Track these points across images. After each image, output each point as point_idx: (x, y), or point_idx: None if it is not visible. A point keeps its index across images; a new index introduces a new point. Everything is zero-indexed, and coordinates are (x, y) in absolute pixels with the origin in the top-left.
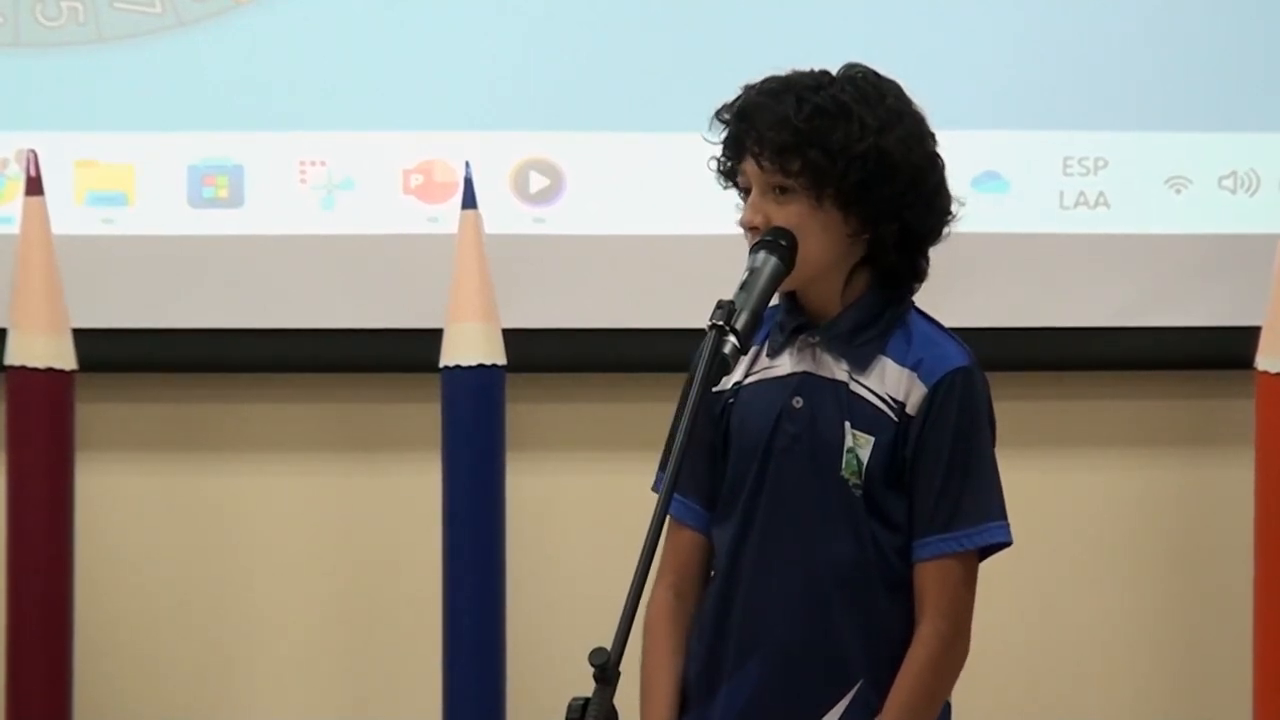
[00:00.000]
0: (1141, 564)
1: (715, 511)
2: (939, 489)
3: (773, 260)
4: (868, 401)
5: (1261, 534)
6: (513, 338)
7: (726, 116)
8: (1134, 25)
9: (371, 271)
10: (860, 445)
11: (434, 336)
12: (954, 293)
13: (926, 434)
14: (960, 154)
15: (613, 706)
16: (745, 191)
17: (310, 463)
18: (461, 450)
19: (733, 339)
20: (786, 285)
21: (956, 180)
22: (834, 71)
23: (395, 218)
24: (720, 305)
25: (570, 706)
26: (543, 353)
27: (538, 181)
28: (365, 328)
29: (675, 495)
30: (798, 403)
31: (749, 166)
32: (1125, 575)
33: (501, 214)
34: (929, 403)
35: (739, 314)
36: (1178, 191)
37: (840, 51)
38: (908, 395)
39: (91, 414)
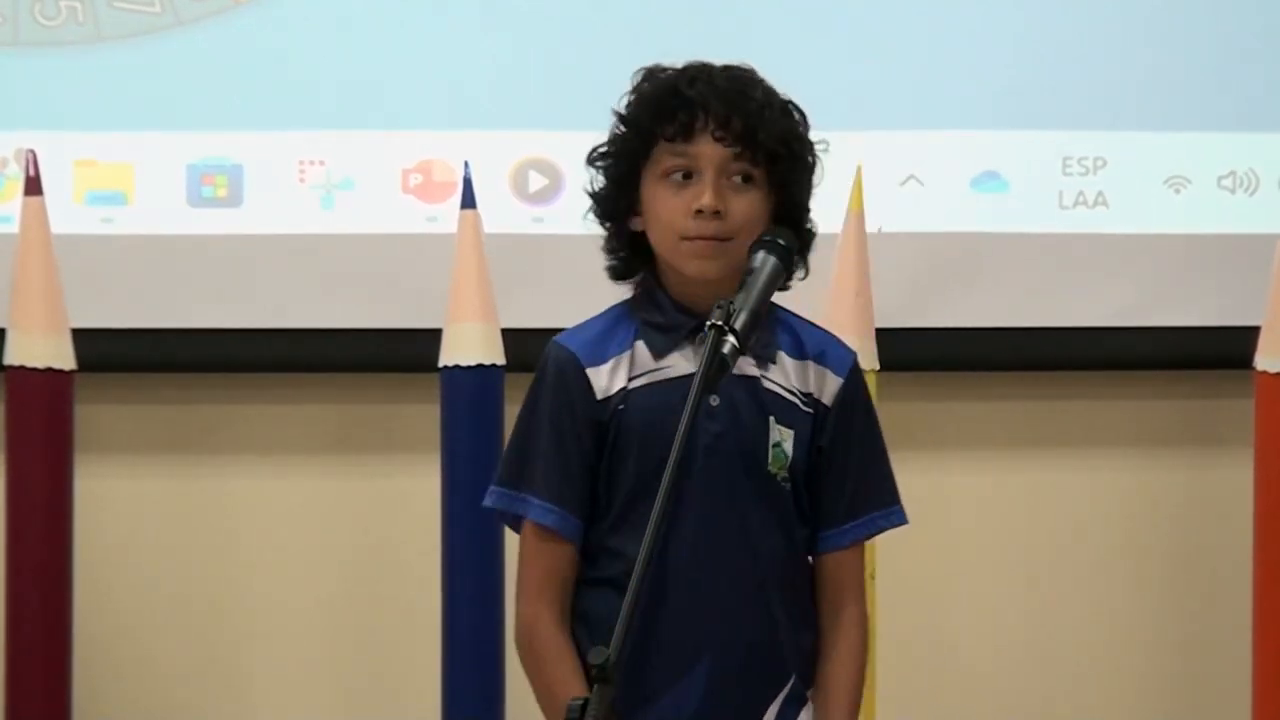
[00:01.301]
0: (1141, 564)
1: (603, 520)
2: (858, 477)
3: (772, 260)
4: (780, 396)
5: (1261, 534)
6: (512, 338)
7: (682, 95)
8: (1134, 25)
9: (371, 271)
10: (784, 439)
11: (433, 336)
12: (954, 293)
13: (844, 424)
14: (960, 154)
15: (612, 707)
16: (675, 173)
17: (309, 463)
18: (461, 450)
19: (731, 339)
20: (717, 276)
21: (956, 180)
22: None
23: (394, 217)
24: (719, 305)
25: (570, 706)
26: (542, 353)
27: (537, 181)
28: (364, 327)
29: (556, 508)
30: (715, 401)
31: (705, 149)
32: (1125, 575)
33: (501, 213)
34: (844, 393)
35: (738, 314)
36: (1177, 191)
37: (840, 51)
38: (820, 387)
39: (91, 414)
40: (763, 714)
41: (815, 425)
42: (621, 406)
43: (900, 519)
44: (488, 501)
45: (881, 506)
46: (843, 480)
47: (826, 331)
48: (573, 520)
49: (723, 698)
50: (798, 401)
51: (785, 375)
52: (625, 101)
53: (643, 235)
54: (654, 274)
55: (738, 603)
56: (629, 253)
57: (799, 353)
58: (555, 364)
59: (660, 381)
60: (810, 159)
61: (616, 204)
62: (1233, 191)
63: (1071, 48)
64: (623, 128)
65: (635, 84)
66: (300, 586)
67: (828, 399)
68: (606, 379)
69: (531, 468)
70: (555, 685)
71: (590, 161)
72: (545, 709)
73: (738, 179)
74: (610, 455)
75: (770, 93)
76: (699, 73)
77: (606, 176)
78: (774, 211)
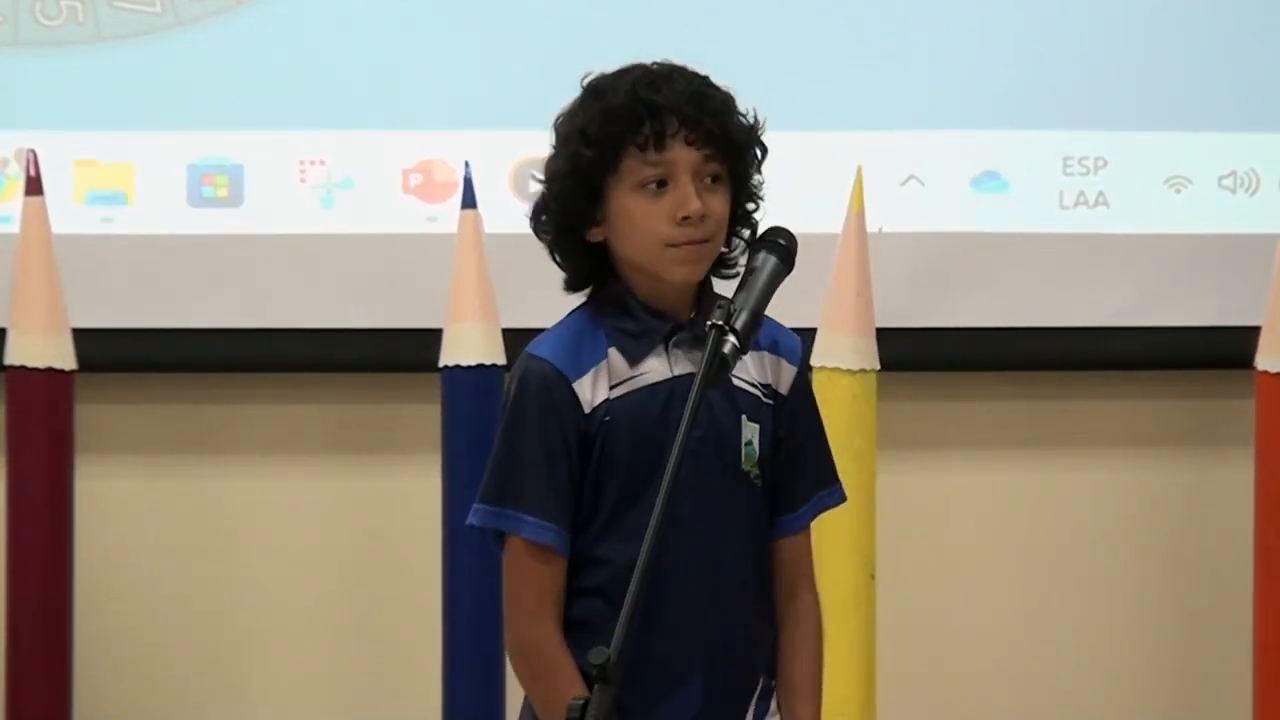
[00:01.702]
0: (1141, 564)
1: (587, 529)
2: (811, 461)
3: (772, 260)
4: (746, 391)
5: (1261, 533)
6: (513, 337)
7: (649, 103)
8: (1134, 25)
9: (371, 271)
10: (753, 436)
11: (434, 336)
12: (954, 293)
13: (798, 411)
14: (960, 154)
15: (613, 707)
16: (650, 183)
17: (310, 463)
18: (461, 450)
19: (732, 339)
20: (689, 280)
21: (957, 180)
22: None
23: (395, 217)
24: (719, 305)
25: (570, 706)
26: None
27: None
28: (365, 327)
29: (547, 524)
30: None
31: (680, 155)
32: (1125, 575)
33: (501, 213)
34: (798, 380)
35: (738, 314)
36: (1178, 191)
37: (841, 51)
38: (777, 378)
39: (91, 414)
40: (745, 713)
41: (775, 416)
42: (607, 418)
43: (841, 496)
44: (474, 520)
45: (826, 486)
46: (799, 466)
47: (771, 319)
48: (565, 535)
49: (719, 698)
50: (759, 394)
51: (747, 369)
52: (576, 115)
53: (599, 246)
54: (617, 281)
55: (726, 605)
56: (586, 263)
57: (754, 344)
58: (540, 378)
59: (640, 389)
60: (762, 150)
61: (579, 218)
62: (1233, 191)
63: (1072, 48)
64: (584, 142)
65: (581, 98)
66: (301, 587)
67: (784, 388)
68: (589, 391)
69: (521, 484)
70: (558, 689)
71: (551, 179)
72: None
73: (708, 179)
74: (597, 466)
75: (721, 89)
76: (654, 77)
77: (565, 191)
78: (741, 215)
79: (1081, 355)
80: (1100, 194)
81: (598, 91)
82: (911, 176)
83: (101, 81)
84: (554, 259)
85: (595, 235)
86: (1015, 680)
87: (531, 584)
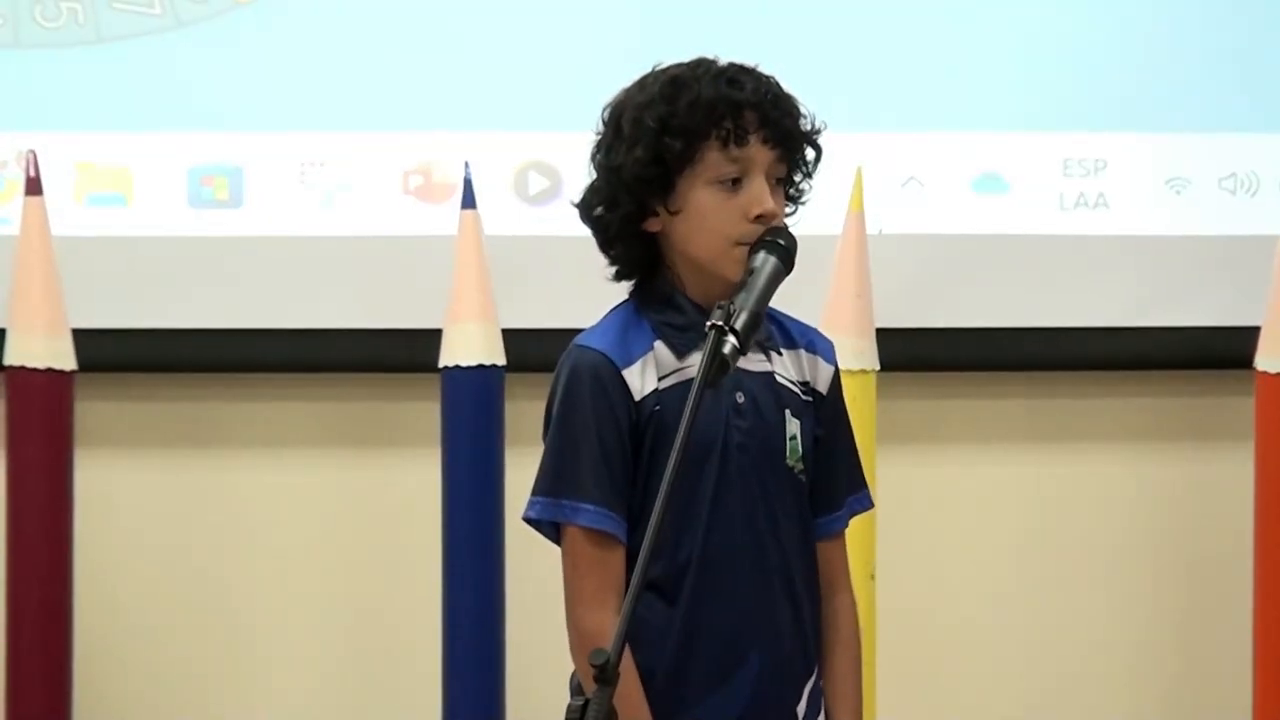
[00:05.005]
0: (1141, 563)
1: (640, 522)
2: (846, 462)
3: (772, 260)
4: (787, 389)
5: (1261, 532)
6: (512, 338)
7: (732, 99)
8: (1134, 27)
9: (371, 272)
10: (797, 432)
11: (434, 336)
12: (955, 294)
13: (835, 411)
14: (960, 155)
15: (612, 707)
16: (727, 179)
17: (310, 463)
18: (461, 450)
19: (732, 339)
20: (732, 278)
21: (957, 181)
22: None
23: (395, 218)
24: (719, 306)
25: (570, 707)
26: (542, 353)
27: (537, 183)
28: (365, 328)
29: (609, 513)
30: (741, 398)
31: (757, 153)
32: (1125, 575)
33: (501, 215)
34: (835, 379)
35: (738, 314)
36: (1178, 193)
37: (842, 53)
38: (814, 375)
39: (91, 414)
40: (796, 706)
41: (815, 414)
42: (657, 407)
43: (870, 502)
44: (530, 514)
45: (858, 490)
46: (836, 467)
47: (800, 320)
48: (623, 523)
49: (769, 692)
50: (799, 392)
51: (785, 367)
52: (654, 105)
53: (651, 236)
54: (662, 273)
55: (776, 599)
56: (640, 254)
57: (790, 343)
58: (591, 368)
59: (688, 380)
60: (818, 154)
61: (645, 208)
62: (1233, 193)
63: (1072, 49)
64: (669, 132)
65: (660, 88)
66: (301, 587)
67: (822, 387)
68: (639, 380)
69: (577, 474)
70: (622, 698)
71: (619, 167)
72: None
73: (774, 180)
74: (650, 457)
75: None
76: (735, 73)
77: (642, 179)
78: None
79: (1081, 356)
80: (1100, 195)
81: (679, 83)
82: (912, 178)
83: (101, 83)
84: (606, 248)
85: (653, 225)
86: (1015, 679)
87: (591, 573)
